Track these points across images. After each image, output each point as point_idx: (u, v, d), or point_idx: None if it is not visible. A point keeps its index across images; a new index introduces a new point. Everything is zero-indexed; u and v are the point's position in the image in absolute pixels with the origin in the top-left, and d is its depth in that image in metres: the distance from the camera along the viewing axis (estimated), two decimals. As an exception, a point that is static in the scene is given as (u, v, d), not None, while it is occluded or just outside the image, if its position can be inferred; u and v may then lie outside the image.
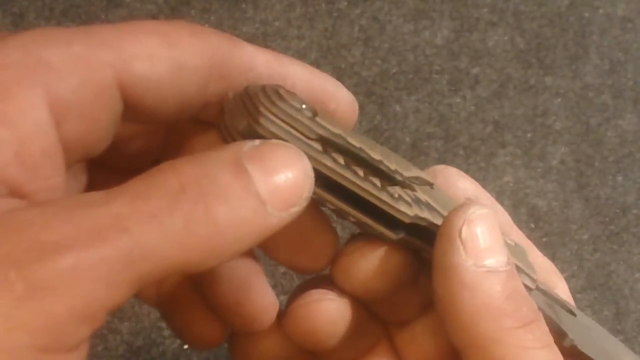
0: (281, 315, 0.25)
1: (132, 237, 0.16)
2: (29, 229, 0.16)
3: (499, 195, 0.49)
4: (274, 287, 0.25)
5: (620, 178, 0.51)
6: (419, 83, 0.51)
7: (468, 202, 0.22)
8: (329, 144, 0.21)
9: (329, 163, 0.21)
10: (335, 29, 0.51)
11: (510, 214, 0.28)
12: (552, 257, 0.29)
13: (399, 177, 0.22)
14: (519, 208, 0.49)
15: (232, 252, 0.18)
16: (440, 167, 0.27)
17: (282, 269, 0.45)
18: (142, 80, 0.20)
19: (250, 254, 0.25)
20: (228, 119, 0.21)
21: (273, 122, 0.20)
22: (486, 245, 0.21)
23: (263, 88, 0.21)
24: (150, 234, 0.17)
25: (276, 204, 0.19)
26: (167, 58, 0.20)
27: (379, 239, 0.23)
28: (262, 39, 0.50)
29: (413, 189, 0.23)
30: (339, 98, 0.24)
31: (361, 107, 0.49)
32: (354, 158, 0.22)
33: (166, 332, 0.43)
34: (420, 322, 0.26)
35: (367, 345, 0.27)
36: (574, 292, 0.28)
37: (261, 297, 0.25)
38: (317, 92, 0.23)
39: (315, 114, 0.21)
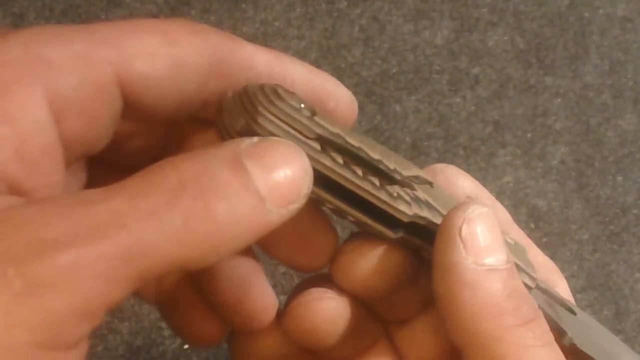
0: (281, 314, 0.25)
1: (131, 234, 0.16)
2: (27, 226, 0.16)
3: (499, 195, 0.49)
4: (274, 287, 0.25)
5: (620, 178, 0.51)
6: (419, 83, 0.51)
7: (468, 201, 0.22)
8: (328, 144, 0.21)
9: (328, 162, 0.21)
10: (335, 29, 0.51)
11: (510, 214, 0.28)
12: (552, 257, 0.29)
13: (397, 176, 0.22)
14: (519, 208, 0.49)
15: (231, 248, 0.18)
16: (440, 166, 0.27)
17: (282, 269, 0.45)
18: (142, 78, 0.20)
19: (250, 252, 0.25)
20: (226, 118, 0.21)
21: (271, 122, 0.20)
22: (486, 243, 0.21)
23: (261, 87, 0.21)
24: (149, 230, 0.17)
25: (275, 201, 0.19)
26: (167, 56, 0.20)
27: (378, 238, 0.23)
28: (262, 39, 0.50)
29: (412, 188, 0.23)
30: (338, 97, 0.24)
31: (361, 107, 0.49)
32: (353, 157, 0.22)
33: (166, 332, 0.43)
34: (420, 321, 0.26)
35: (367, 344, 0.27)
36: (574, 292, 0.28)
37: (261, 295, 0.25)
38: (317, 90, 0.23)
39: (313, 113, 0.21)
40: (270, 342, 0.26)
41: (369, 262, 0.24)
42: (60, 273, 0.16)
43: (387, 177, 0.22)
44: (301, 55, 0.50)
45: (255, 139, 0.19)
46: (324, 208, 0.23)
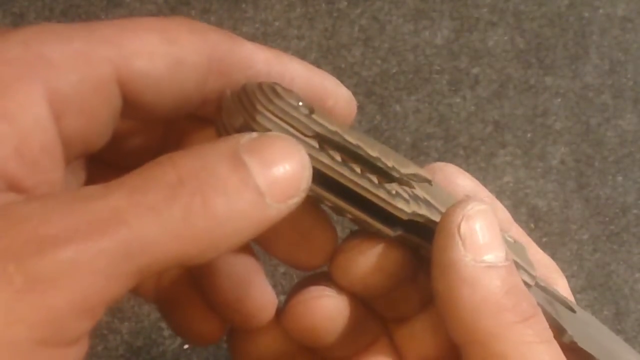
0: (280, 312, 0.25)
1: (130, 230, 0.16)
2: (27, 223, 0.16)
3: (499, 195, 0.49)
4: (274, 287, 0.25)
5: (620, 178, 0.51)
6: (419, 83, 0.51)
7: (466, 198, 0.22)
8: (326, 141, 0.21)
9: (326, 160, 0.21)
10: (335, 29, 0.51)
11: (510, 214, 0.28)
12: (552, 257, 0.29)
13: (396, 174, 0.22)
14: (519, 208, 0.49)
15: (230, 244, 0.18)
16: (440, 165, 0.27)
17: (281, 269, 0.45)
18: (141, 76, 0.20)
19: (249, 250, 0.25)
20: (225, 116, 0.21)
21: (270, 120, 0.20)
22: (485, 240, 0.21)
23: (260, 85, 0.21)
24: (149, 226, 0.17)
25: (274, 196, 0.19)
26: (166, 54, 0.20)
27: (377, 236, 0.23)
28: (262, 39, 0.50)
29: (411, 186, 0.23)
30: (337, 95, 0.24)
31: (361, 107, 0.49)
32: (351, 155, 0.22)
33: (166, 332, 0.43)
34: (420, 319, 0.26)
35: (366, 342, 0.27)
36: (574, 292, 0.28)
37: (260, 293, 0.25)
38: (316, 89, 0.24)
39: (312, 111, 0.21)
40: (269, 341, 0.26)
41: (368, 260, 0.24)
42: (60, 269, 0.16)
43: (385, 175, 0.22)
44: (301, 55, 0.50)
45: (254, 134, 0.19)
46: (323, 206, 0.23)
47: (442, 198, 0.24)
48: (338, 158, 0.21)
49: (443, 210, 0.23)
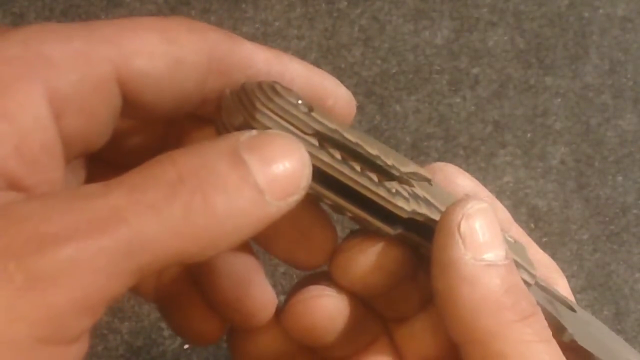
0: (280, 311, 0.25)
1: (130, 228, 0.16)
2: (28, 221, 0.16)
3: (499, 195, 0.49)
4: (274, 286, 0.25)
5: (620, 178, 0.51)
6: (419, 83, 0.51)
7: (467, 197, 0.22)
8: (326, 139, 0.21)
9: (326, 158, 0.21)
10: (335, 29, 0.51)
11: (510, 214, 0.28)
12: (552, 257, 0.29)
13: (396, 173, 0.22)
14: (519, 208, 0.49)
15: (231, 241, 0.18)
16: (440, 165, 0.27)
17: (281, 269, 0.45)
18: (141, 75, 0.20)
19: (249, 249, 0.25)
20: (225, 115, 0.21)
21: (269, 118, 0.20)
22: (485, 239, 0.21)
23: (259, 84, 0.21)
24: (149, 224, 0.17)
25: (274, 194, 0.19)
26: (166, 54, 0.20)
27: (376, 234, 0.23)
28: (262, 39, 0.50)
29: (411, 185, 0.23)
30: (336, 95, 0.24)
31: (361, 107, 0.49)
32: (351, 153, 0.22)
33: (166, 332, 0.43)
34: (420, 319, 0.26)
35: (366, 342, 0.27)
36: (574, 292, 0.28)
37: (260, 293, 0.25)
38: (315, 88, 0.24)
39: (311, 109, 0.21)
40: (269, 340, 0.26)
41: (367, 259, 0.24)
42: (61, 267, 0.16)
43: (385, 173, 0.22)
44: (301, 55, 0.50)
45: (254, 132, 0.19)
46: (322, 204, 0.23)
47: (442, 198, 0.24)
48: (338, 156, 0.21)
49: (443, 209, 0.23)
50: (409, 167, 0.23)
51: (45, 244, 0.16)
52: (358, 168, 0.22)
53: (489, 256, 0.21)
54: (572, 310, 0.26)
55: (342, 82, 0.24)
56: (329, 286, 0.25)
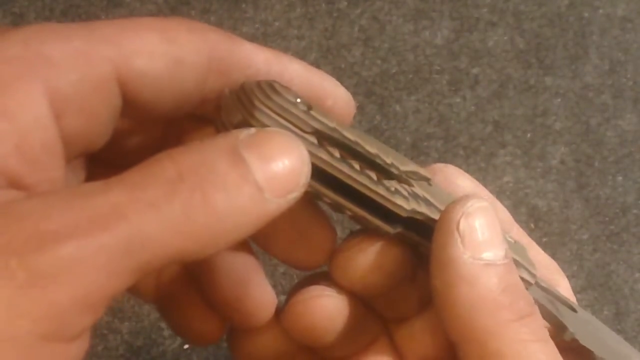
0: (280, 311, 0.25)
1: (131, 226, 0.17)
2: (28, 219, 0.16)
3: (499, 195, 0.49)
4: (274, 286, 0.25)
5: (620, 178, 0.51)
6: (419, 83, 0.51)
7: (466, 196, 0.22)
8: (325, 138, 0.21)
9: (325, 156, 0.21)
10: (335, 29, 0.51)
11: (510, 214, 0.28)
12: (552, 257, 0.29)
13: (395, 171, 0.22)
14: (519, 208, 0.49)
15: (230, 239, 0.18)
16: (440, 165, 0.27)
17: (281, 269, 0.45)
18: (141, 75, 0.20)
19: (248, 249, 0.25)
20: (224, 114, 0.21)
21: (268, 116, 0.20)
22: (484, 238, 0.21)
23: (258, 83, 0.21)
24: (149, 222, 0.17)
25: (274, 191, 0.19)
26: (166, 54, 0.20)
27: (376, 233, 0.23)
28: (262, 39, 0.50)
29: (410, 184, 0.23)
30: (336, 95, 0.24)
31: (361, 107, 0.49)
32: (350, 151, 0.22)
33: (166, 332, 0.43)
34: (420, 319, 0.26)
35: (366, 342, 0.27)
36: (574, 292, 0.28)
37: (259, 292, 0.25)
38: (315, 89, 0.24)
39: (310, 107, 0.21)
40: (269, 340, 0.26)
41: (367, 259, 0.24)
42: (62, 265, 0.16)
43: (384, 172, 0.22)
44: (301, 55, 0.50)
45: (253, 130, 0.19)
46: (322, 203, 0.23)
47: (442, 197, 0.24)
48: (337, 154, 0.21)
49: (442, 208, 0.23)
50: (408, 166, 0.23)
51: (46, 242, 0.16)
52: (357, 166, 0.22)
53: (488, 255, 0.21)
54: (573, 310, 0.26)
55: (342, 82, 0.24)
56: (329, 286, 0.25)
